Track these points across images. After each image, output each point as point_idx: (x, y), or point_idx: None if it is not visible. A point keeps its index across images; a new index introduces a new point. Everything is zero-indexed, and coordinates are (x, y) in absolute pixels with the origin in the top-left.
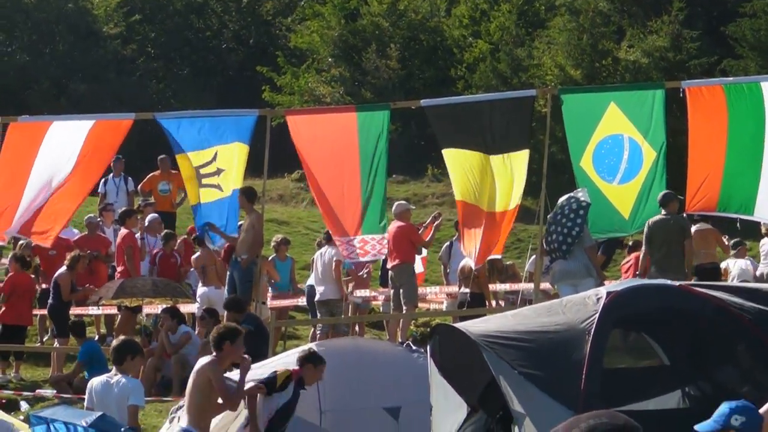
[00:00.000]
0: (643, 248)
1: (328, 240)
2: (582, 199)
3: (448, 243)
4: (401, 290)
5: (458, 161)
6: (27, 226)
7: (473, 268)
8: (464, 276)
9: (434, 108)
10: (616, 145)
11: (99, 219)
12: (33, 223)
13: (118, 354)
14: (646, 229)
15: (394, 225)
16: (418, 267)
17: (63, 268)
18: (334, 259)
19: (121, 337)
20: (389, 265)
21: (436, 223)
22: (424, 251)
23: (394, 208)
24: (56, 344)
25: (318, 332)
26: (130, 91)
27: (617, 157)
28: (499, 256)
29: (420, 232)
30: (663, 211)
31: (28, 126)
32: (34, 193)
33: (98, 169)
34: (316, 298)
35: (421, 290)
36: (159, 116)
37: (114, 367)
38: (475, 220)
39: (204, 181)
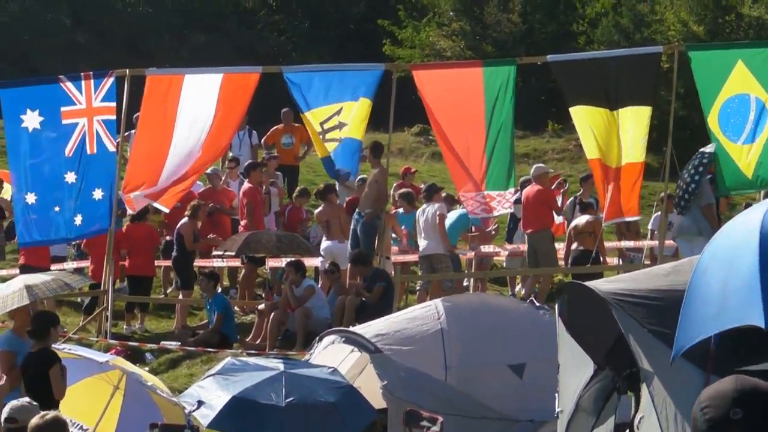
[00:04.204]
0: None
1: (428, 198)
2: (707, 152)
3: (572, 199)
4: (539, 259)
5: (586, 119)
6: (159, 193)
7: (603, 224)
8: (577, 233)
9: (560, 64)
10: (742, 105)
11: (226, 171)
12: (167, 190)
13: None
14: None
15: (533, 188)
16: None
17: (185, 219)
18: (438, 213)
19: None
20: (527, 230)
21: (562, 190)
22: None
23: (532, 170)
24: (180, 296)
25: (418, 287)
26: (251, 44)
27: (743, 117)
28: (637, 218)
29: None
30: None
31: (165, 79)
32: (179, 158)
33: (230, 127)
34: (419, 253)
35: None
36: (286, 70)
37: None
38: (605, 177)
39: (328, 135)
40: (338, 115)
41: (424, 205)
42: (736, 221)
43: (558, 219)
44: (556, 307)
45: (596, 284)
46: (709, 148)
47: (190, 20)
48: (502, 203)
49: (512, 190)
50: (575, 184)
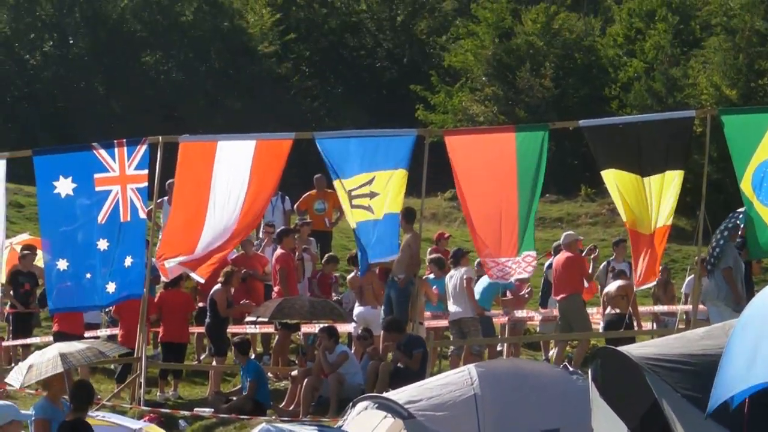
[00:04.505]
0: None
1: (456, 263)
2: (736, 214)
3: (605, 263)
4: (572, 324)
5: (616, 183)
6: (196, 263)
7: (635, 289)
8: (609, 297)
9: (592, 128)
10: None
11: (258, 239)
12: (203, 260)
13: None
14: None
15: (563, 256)
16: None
17: (218, 285)
18: (465, 277)
19: None
20: (557, 296)
21: (593, 256)
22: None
23: (562, 238)
24: (214, 363)
25: (449, 353)
26: (285, 109)
27: None
28: (653, 283)
29: None
30: None
31: (198, 146)
32: (215, 229)
33: (265, 194)
34: (449, 318)
35: None
36: (318, 136)
37: None
38: (637, 243)
39: (355, 201)
40: (369, 185)
41: (452, 271)
42: None
43: (586, 284)
44: (590, 372)
45: (629, 349)
46: (740, 210)
47: (224, 87)
48: (522, 266)
49: (533, 253)
50: (608, 248)
